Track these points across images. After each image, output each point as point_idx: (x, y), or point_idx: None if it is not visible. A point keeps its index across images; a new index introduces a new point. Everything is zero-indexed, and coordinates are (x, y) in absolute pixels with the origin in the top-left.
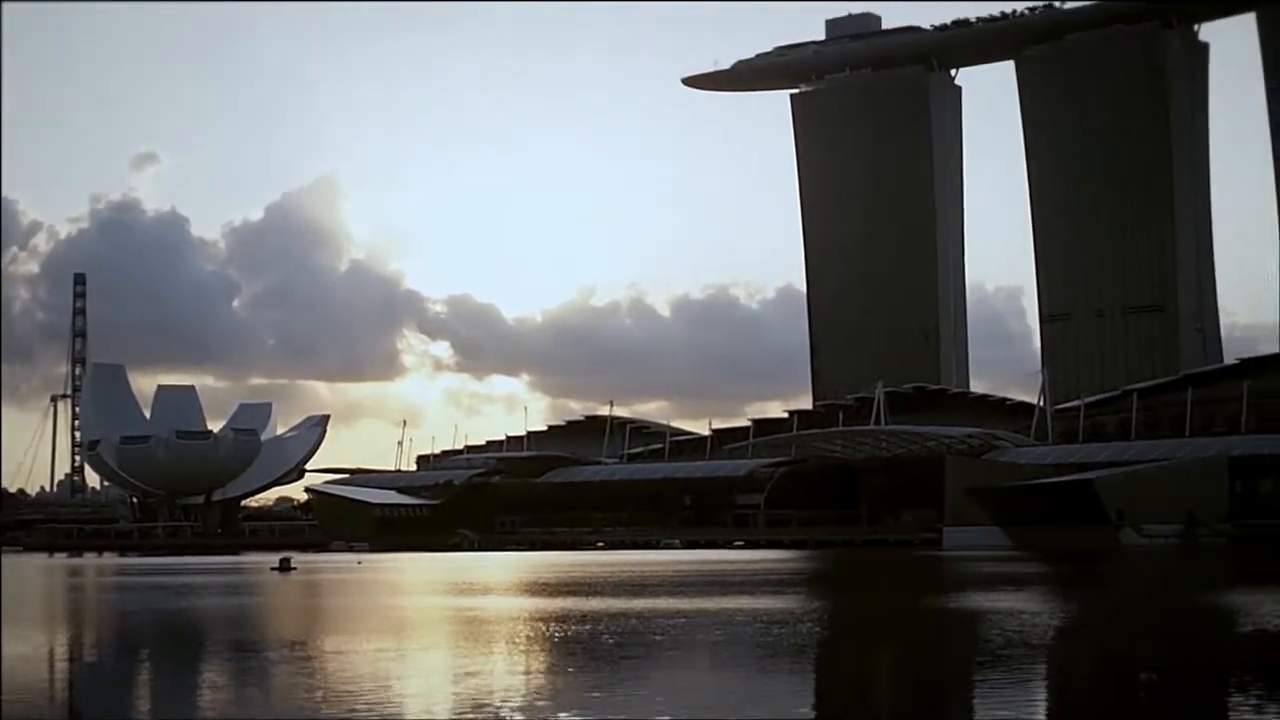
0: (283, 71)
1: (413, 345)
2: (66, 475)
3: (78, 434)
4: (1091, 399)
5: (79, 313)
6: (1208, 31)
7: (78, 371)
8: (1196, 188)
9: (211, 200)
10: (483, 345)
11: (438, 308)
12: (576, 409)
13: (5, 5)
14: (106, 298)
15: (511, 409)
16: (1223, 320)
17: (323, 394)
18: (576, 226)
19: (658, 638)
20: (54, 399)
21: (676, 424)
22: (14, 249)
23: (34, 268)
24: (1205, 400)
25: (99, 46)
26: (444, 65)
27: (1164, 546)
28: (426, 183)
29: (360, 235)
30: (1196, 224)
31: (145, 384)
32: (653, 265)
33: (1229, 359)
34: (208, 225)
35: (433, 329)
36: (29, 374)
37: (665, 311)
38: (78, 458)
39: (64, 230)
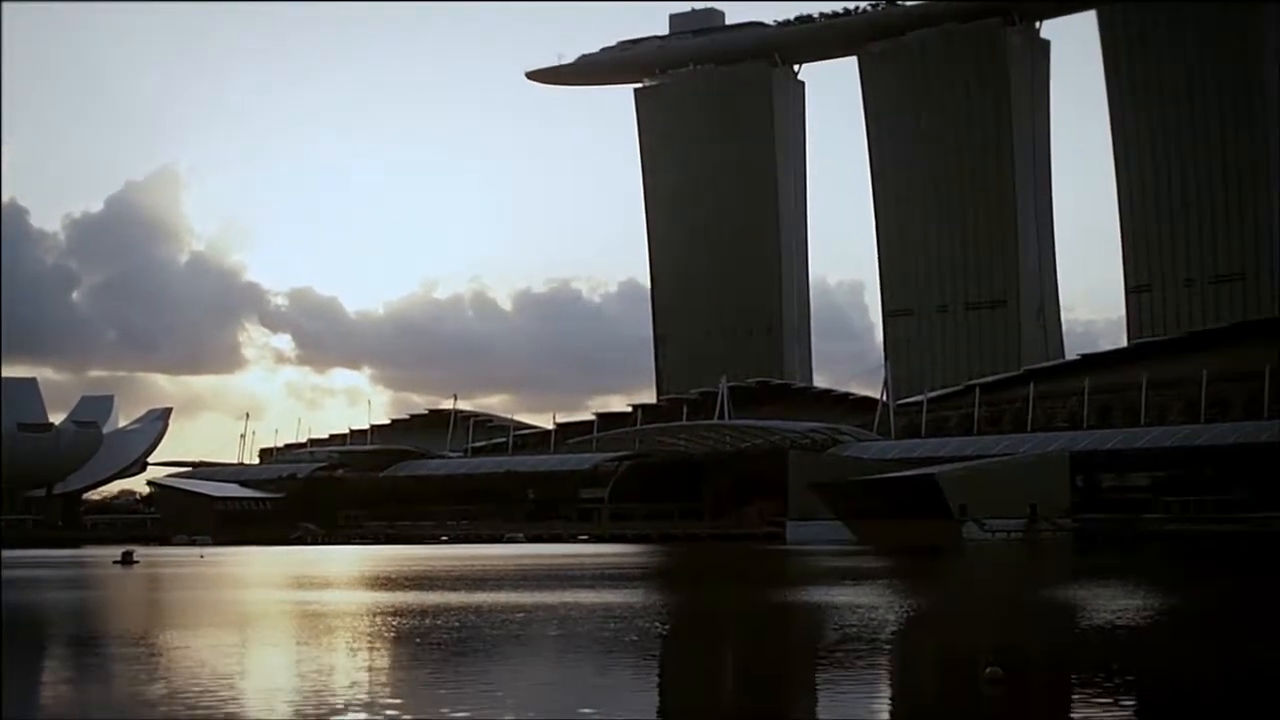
0: (125, 63)
1: (254, 338)
2: None
3: None
4: (934, 394)
5: None
6: (1049, 29)
7: None
8: (1038, 183)
9: (50, 191)
10: (324, 338)
11: (279, 300)
12: (419, 403)
13: None
14: None
15: (354, 402)
16: (1063, 315)
17: (164, 386)
18: (419, 220)
19: (496, 632)
20: None
21: (520, 418)
22: None
23: None
24: (1047, 395)
25: None
26: (287, 58)
27: (1007, 541)
28: (268, 175)
29: (201, 227)
30: (1038, 219)
31: None
32: (495, 259)
33: (1070, 354)
34: (47, 217)
35: (274, 322)
36: None
37: (507, 305)
38: None
39: None
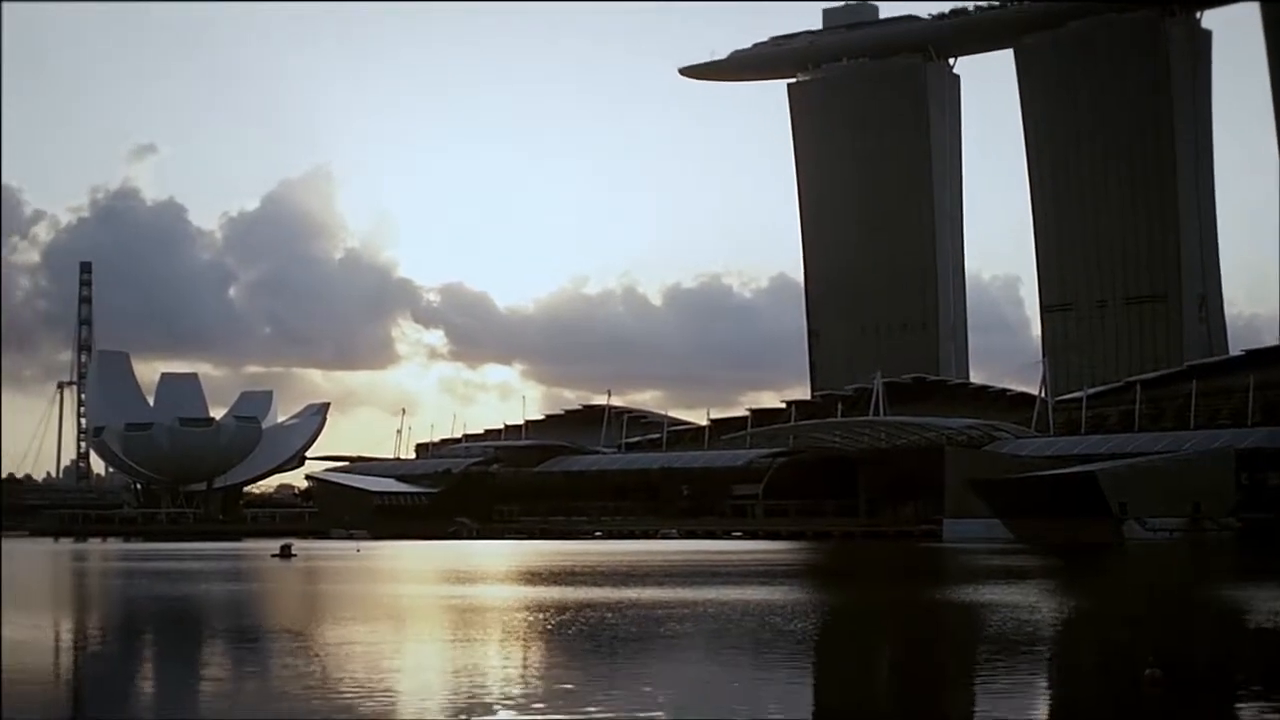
0: (279, 62)
1: (407, 334)
2: (72, 461)
3: (83, 421)
4: (1093, 390)
5: (85, 300)
6: (1210, 19)
7: (83, 359)
8: (1199, 175)
9: (208, 190)
10: (476, 334)
11: (431, 296)
12: (570, 398)
13: (5, 4)
14: (105, 285)
15: (505, 397)
16: (1226, 310)
17: (318, 382)
18: (569, 216)
19: (651, 629)
20: (60, 386)
21: (673, 414)
22: (15, 238)
23: (35, 256)
24: (1210, 392)
25: (98, 41)
26: (439, 55)
27: (1168, 540)
28: (420, 172)
29: (354, 224)
30: (1200, 212)
31: (143, 371)
32: (645, 254)
33: (1233, 349)
34: (205, 215)
35: (426, 317)
36: (30, 361)
37: (658, 300)
38: (83, 444)
39: (64, 219)
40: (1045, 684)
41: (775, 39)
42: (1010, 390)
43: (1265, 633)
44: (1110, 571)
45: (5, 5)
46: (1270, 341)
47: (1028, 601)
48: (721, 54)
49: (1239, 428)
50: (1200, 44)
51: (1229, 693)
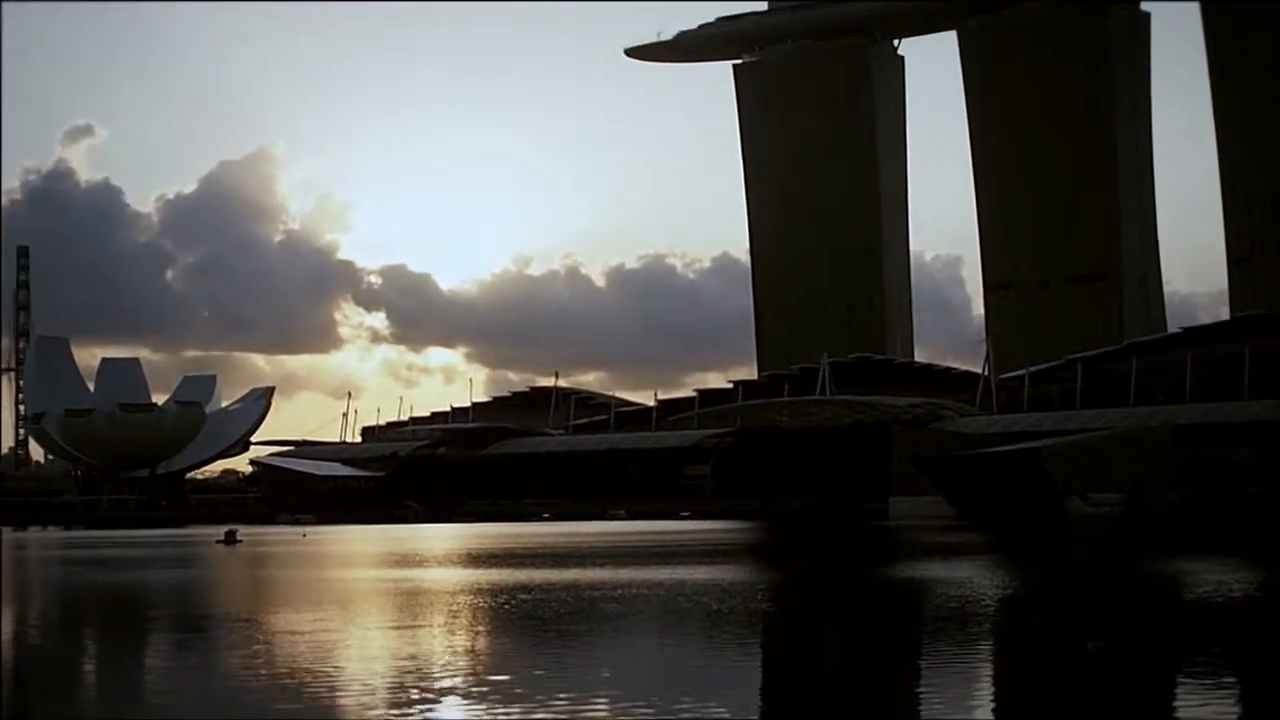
0: (219, 43)
1: (349, 317)
2: (11, 449)
3: (22, 408)
4: (1036, 368)
5: (22, 285)
6: (1149, 2)
7: (21, 345)
8: (1139, 156)
9: (146, 172)
10: (419, 316)
11: (373, 278)
12: (515, 380)
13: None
14: (40, 270)
15: (450, 380)
16: (1165, 289)
17: (260, 366)
18: (513, 197)
19: (600, 609)
20: None
21: (619, 395)
22: None
23: None
24: (1150, 369)
25: (31, 20)
26: (381, 36)
27: (1110, 515)
28: (362, 153)
29: (295, 206)
30: (1140, 193)
31: (82, 357)
32: (587, 236)
33: (1171, 327)
34: (142, 197)
35: (368, 300)
36: None
37: (601, 282)
38: (22, 431)
39: None
40: (989, 657)
41: (721, 20)
42: (955, 369)
43: (1204, 604)
44: (1053, 546)
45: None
46: (1205, 319)
47: (971, 577)
48: (667, 35)
49: (1178, 404)
50: (1140, 26)
51: (1170, 663)
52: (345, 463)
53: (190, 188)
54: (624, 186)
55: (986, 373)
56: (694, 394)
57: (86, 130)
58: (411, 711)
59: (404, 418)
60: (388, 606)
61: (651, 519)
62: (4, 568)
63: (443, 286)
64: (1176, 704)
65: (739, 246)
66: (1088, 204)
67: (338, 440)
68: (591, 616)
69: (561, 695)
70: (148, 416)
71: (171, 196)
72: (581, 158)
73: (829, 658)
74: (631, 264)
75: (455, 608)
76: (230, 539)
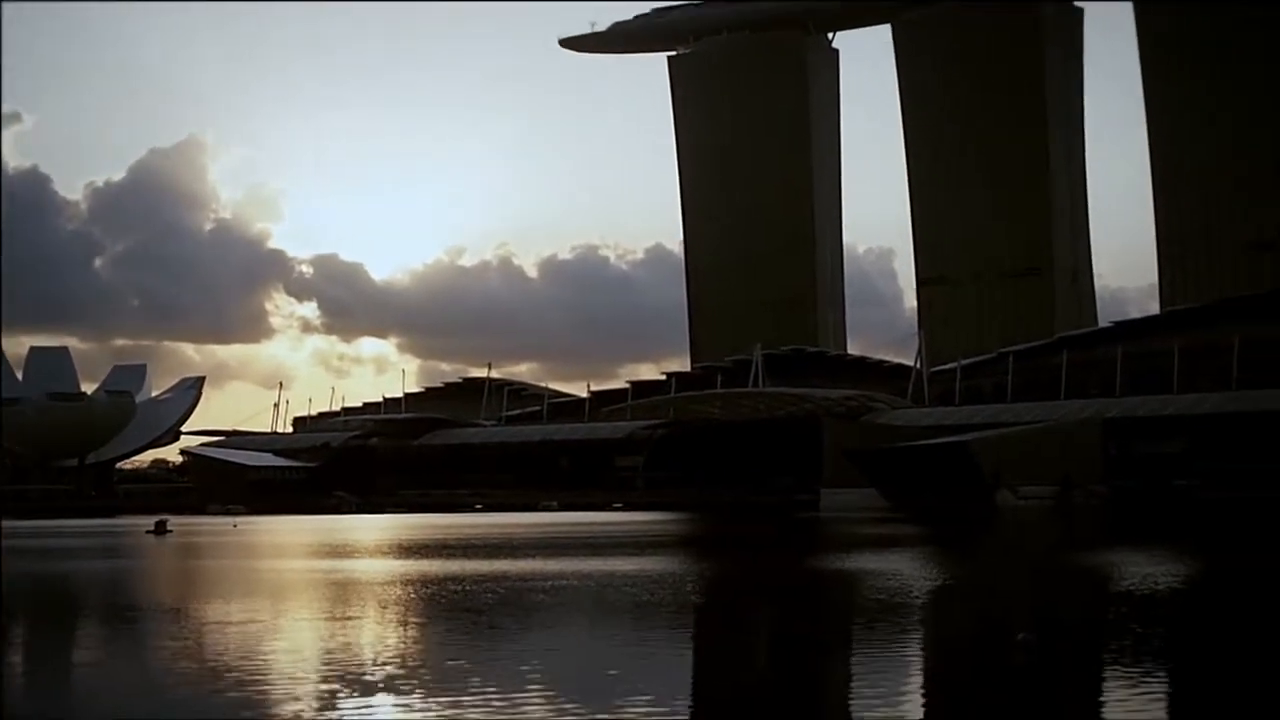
0: (149, 30)
1: (280, 306)
2: None
3: None
4: (967, 361)
5: None
6: None
7: None
8: (1070, 150)
9: (74, 159)
10: (350, 306)
11: (304, 268)
12: (447, 371)
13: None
14: None
15: (381, 371)
16: (1096, 283)
17: (190, 356)
18: (445, 186)
19: (529, 600)
20: None
21: (552, 386)
22: None
23: None
24: (1080, 363)
25: None
26: (314, 26)
27: (1039, 508)
28: (294, 142)
29: (226, 195)
30: (1071, 186)
31: (9, 345)
32: (521, 226)
33: (1102, 321)
34: (70, 185)
35: (299, 290)
36: None
37: (533, 272)
38: None
39: None
40: (919, 650)
41: (656, 11)
42: (887, 362)
43: (1134, 596)
44: (983, 539)
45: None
46: (1135, 313)
47: (901, 569)
48: (602, 26)
49: (1108, 397)
50: (1072, 20)
51: (1099, 655)
52: (277, 453)
53: (119, 175)
54: (557, 177)
55: (919, 365)
56: (627, 385)
57: (14, 117)
58: (342, 704)
59: (336, 408)
60: (318, 597)
61: (584, 510)
62: None
63: (375, 276)
64: (1104, 695)
65: (672, 238)
66: (1020, 198)
67: (269, 430)
68: (522, 607)
69: (491, 687)
70: (77, 406)
71: (101, 184)
72: (515, 148)
73: (756, 651)
74: (564, 255)
75: (385, 599)
76: (160, 529)
